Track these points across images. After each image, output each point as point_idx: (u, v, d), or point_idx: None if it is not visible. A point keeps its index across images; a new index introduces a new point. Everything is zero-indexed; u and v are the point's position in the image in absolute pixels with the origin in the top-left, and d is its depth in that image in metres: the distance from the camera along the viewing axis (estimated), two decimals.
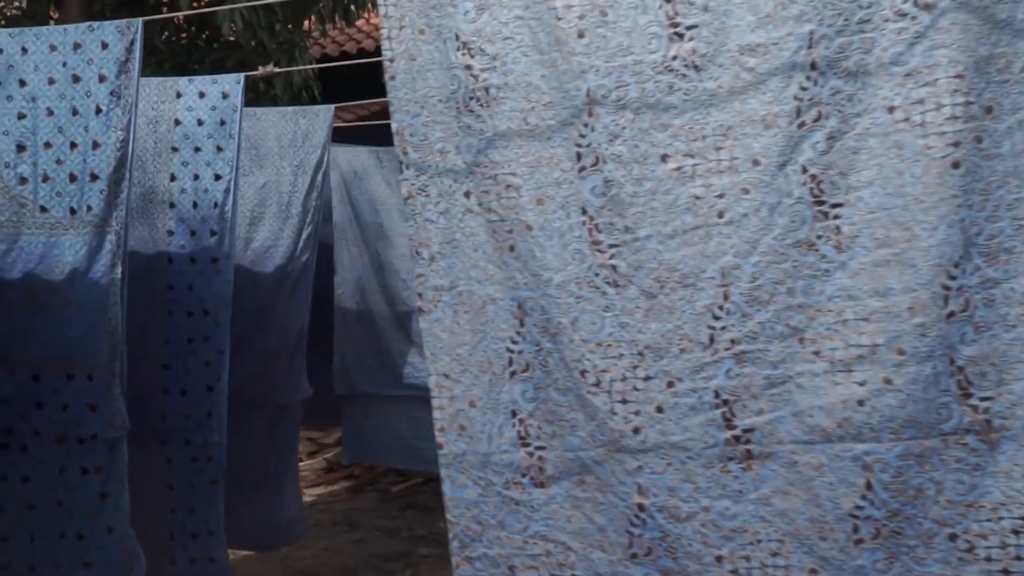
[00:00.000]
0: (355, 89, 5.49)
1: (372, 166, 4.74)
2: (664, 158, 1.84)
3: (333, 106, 3.81)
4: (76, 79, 2.72)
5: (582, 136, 1.89)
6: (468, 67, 1.94)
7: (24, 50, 2.76)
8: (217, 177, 3.22)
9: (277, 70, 3.32)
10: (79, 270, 2.69)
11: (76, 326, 2.69)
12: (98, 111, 2.70)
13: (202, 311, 3.24)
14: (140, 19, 2.71)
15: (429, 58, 1.98)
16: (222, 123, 3.23)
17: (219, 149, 3.22)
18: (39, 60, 2.75)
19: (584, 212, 1.90)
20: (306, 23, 7.15)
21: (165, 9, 6.53)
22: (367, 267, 4.80)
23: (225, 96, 3.23)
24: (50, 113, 2.74)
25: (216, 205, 3.22)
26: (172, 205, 3.27)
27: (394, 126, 2.04)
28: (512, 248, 1.95)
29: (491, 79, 1.93)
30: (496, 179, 1.95)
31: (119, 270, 2.67)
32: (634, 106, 1.84)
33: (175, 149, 3.28)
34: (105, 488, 2.67)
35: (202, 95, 3.26)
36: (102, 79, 2.71)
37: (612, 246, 1.88)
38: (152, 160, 3.24)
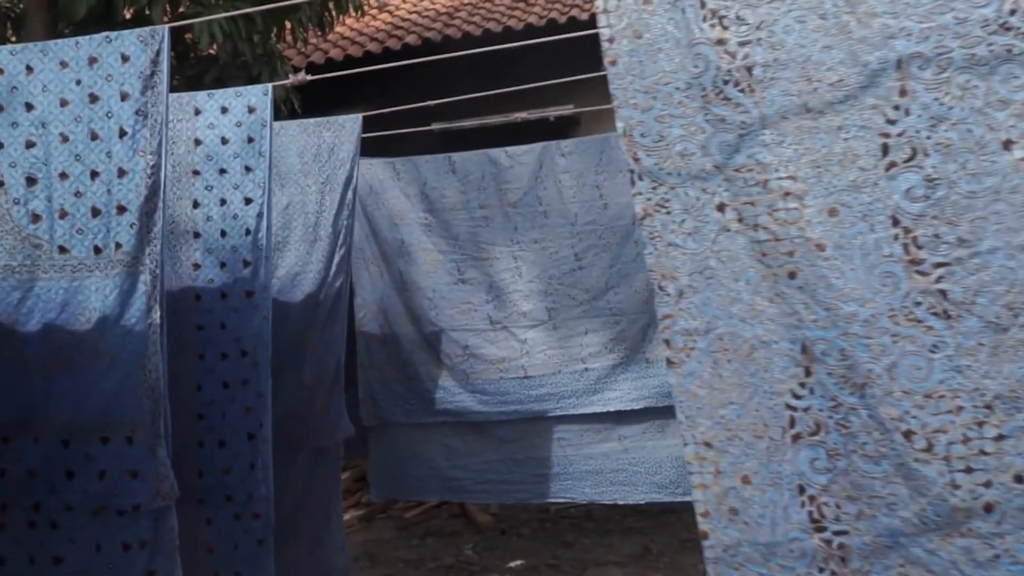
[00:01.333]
0: (338, 100, 5.14)
1: (388, 179, 4.41)
2: (1007, 144, 1.43)
3: (360, 116, 3.48)
4: (94, 98, 2.37)
5: (891, 122, 1.47)
6: (720, 41, 1.52)
7: (29, 69, 2.40)
8: (248, 201, 2.87)
9: (309, 77, 2.96)
10: (110, 317, 2.34)
11: (110, 382, 2.34)
12: (122, 134, 2.35)
13: (239, 352, 2.90)
14: (166, 26, 2.36)
15: (661, 33, 1.56)
16: (250, 140, 2.89)
17: (248, 169, 2.88)
18: (48, 79, 2.40)
19: (896, 223, 1.49)
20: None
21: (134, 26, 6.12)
22: (389, 287, 4.47)
23: (252, 110, 2.89)
24: (64, 139, 2.38)
25: (248, 232, 2.87)
26: (197, 235, 2.92)
27: (619, 125, 1.61)
28: (792, 275, 1.55)
29: (754, 55, 1.52)
30: (766, 186, 1.53)
31: (157, 314, 2.33)
32: (962, 79, 1.44)
33: (196, 172, 2.93)
34: (151, 565, 2.33)
35: (224, 110, 2.92)
36: (124, 97, 2.36)
37: (939, 265, 1.47)
38: (171, 187, 2.88)
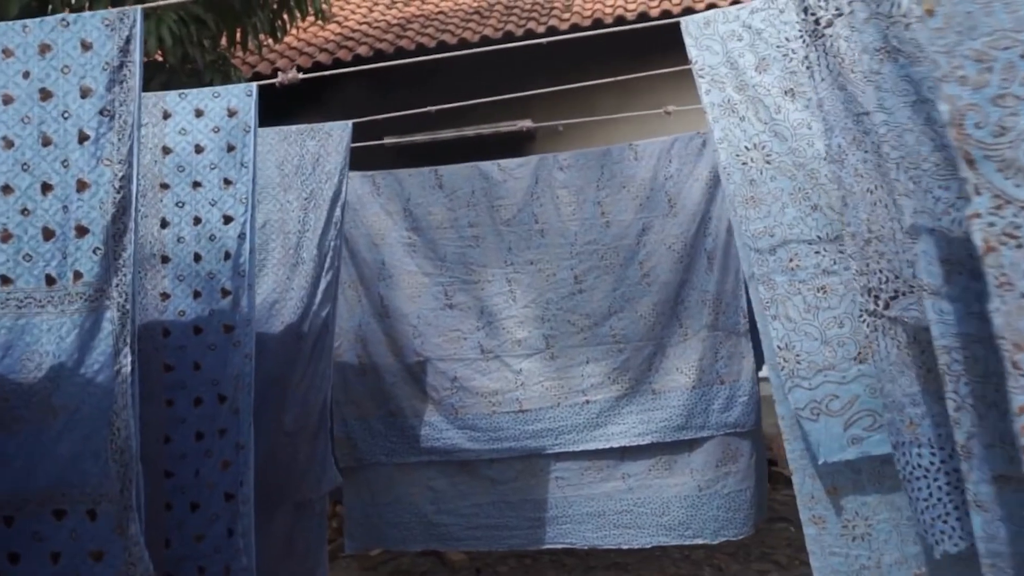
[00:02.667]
0: (283, 113, 4.70)
1: (367, 194, 4.01)
2: None
3: (350, 123, 3.08)
4: (46, 95, 1.93)
5: None
6: None
7: None
8: (227, 220, 2.45)
9: (301, 75, 2.56)
10: (66, 364, 1.90)
11: (66, 444, 1.90)
12: (83, 138, 1.91)
13: (215, 396, 2.46)
14: (138, 7, 1.94)
15: None
16: (230, 149, 2.47)
17: (227, 183, 2.46)
18: None
19: None
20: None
21: None
22: (368, 313, 4.05)
23: (232, 113, 2.47)
24: (8, 145, 1.94)
25: (228, 256, 2.45)
26: (165, 259, 2.48)
27: (945, 110, 1.13)
28: None
29: None
30: None
31: (127, 359, 1.90)
32: None
33: (165, 186, 2.49)
34: None
35: (199, 113, 2.49)
36: (86, 93, 1.93)
37: None
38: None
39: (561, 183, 3.95)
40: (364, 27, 8.90)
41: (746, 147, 2.25)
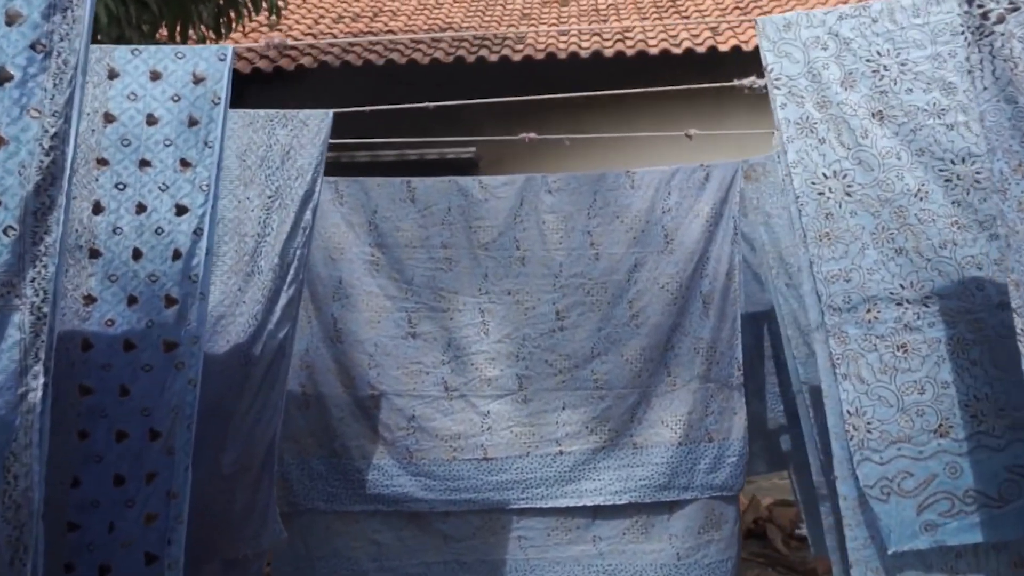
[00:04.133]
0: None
1: (328, 202, 3.53)
2: None
3: (331, 112, 2.62)
4: None
5: None
6: None
7: None
8: (181, 210, 1.96)
9: (290, 40, 2.11)
10: None
11: None
12: (4, 78, 1.42)
13: (144, 431, 1.95)
14: None
15: None
16: (192, 123, 1.98)
17: (185, 165, 1.97)
18: None
19: None
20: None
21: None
22: (317, 337, 3.55)
23: (199, 80, 2.00)
24: None
25: (178, 256, 1.95)
26: (95, 254, 1.96)
27: None
28: None
29: None
30: None
31: (38, 381, 1.40)
32: None
33: (103, 162, 1.98)
34: None
35: (156, 76, 2.00)
36: (12, 19, 1.44)
37: None
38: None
39: (549, 207, 3.56)
40: (309, 37, 8.45)
41: (824, 174, 1.91)
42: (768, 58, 1.96)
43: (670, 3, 9.22)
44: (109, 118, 1.99)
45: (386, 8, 9.84)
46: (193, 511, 2.23)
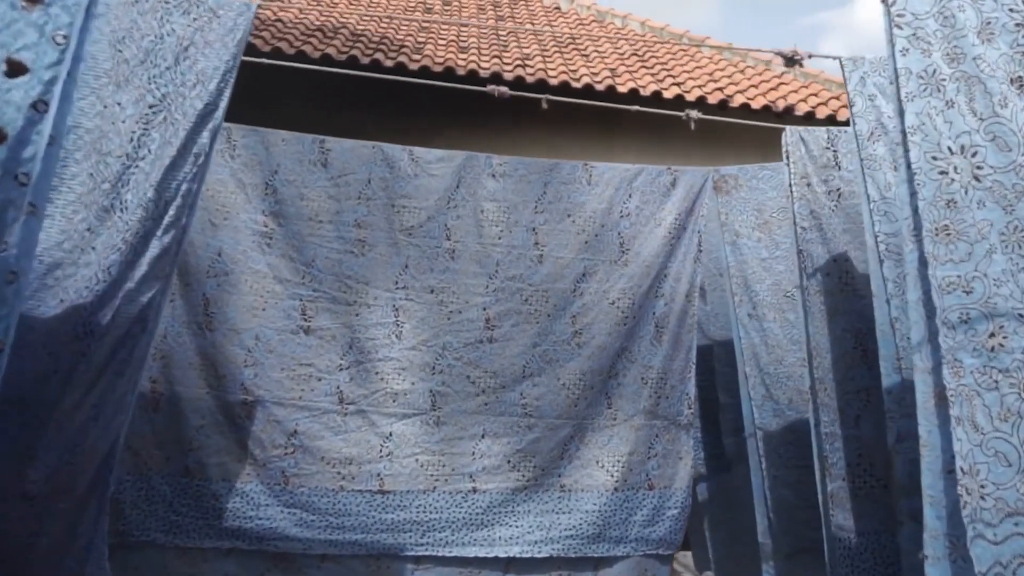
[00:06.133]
0: None
1: (216, 151, 2.77)
2: None
3: (254, 4, 1.92)
4: None
5: None
6: None
7: None
8: (16, 69, 1.23)
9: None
10: None
11: None
12: None
13: None
14: None
15: None
16: None
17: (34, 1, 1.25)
18: None
19: None
20: None
21: None
22: (180, 320, 2.77)
23: None
24: None
25: (2, 137, 1.22)
26: None
27: None
28: None
29: None
30: None
31: None
32: None
33: None
34: None
35: None
36: None
37: None
38: None
39: (490, 194, 2.98)
40: None
41: (949, 148, 1.44)
42: None
43: (570, 41, 8.97)
44: None
45: None
46: None
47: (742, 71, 7.52)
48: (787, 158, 2.49)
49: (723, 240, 3.09)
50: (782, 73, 7.39)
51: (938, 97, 1.45)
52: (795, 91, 6.93)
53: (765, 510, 3.01)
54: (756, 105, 6.09)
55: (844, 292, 2.42)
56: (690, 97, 6.22)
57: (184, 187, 1.83)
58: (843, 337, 2.40)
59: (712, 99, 6.27)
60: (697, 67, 7.58)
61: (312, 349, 2.85)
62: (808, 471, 2.98)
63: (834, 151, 2.50)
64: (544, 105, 2.77)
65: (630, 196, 3.04)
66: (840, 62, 2.02)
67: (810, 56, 2.09)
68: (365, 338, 2.89)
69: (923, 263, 1.43)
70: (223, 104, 1.89)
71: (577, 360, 2.97)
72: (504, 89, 2.49)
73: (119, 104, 1.80)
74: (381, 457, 2.85)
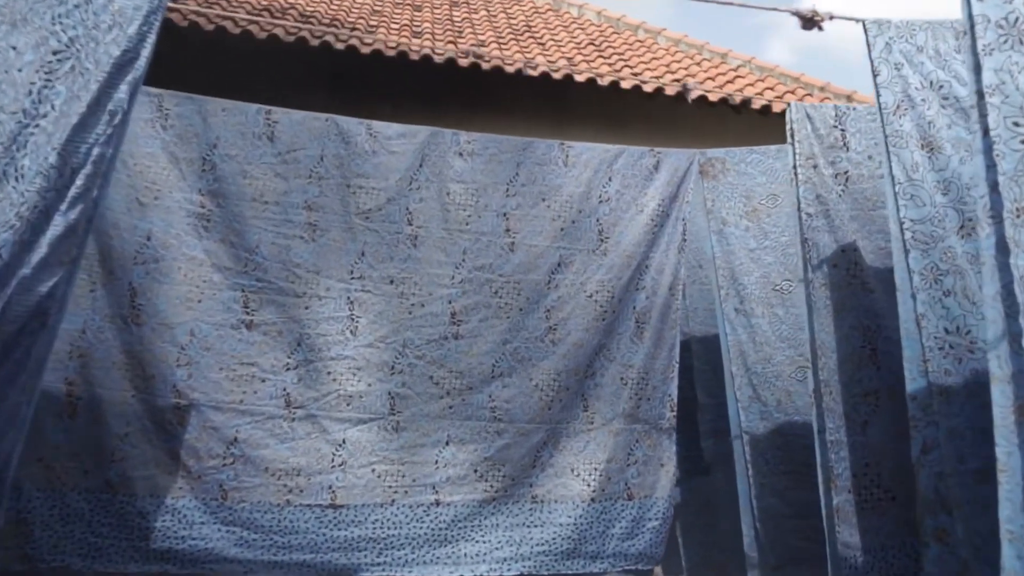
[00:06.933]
0: None
1: (146, 122, 2.45)
2: None
3: None
4: None
5: None
6: None
7: None
8: None
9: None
10: None
11: None
12: None
13: None
14: None
15: None
16: None
17: None
18: None
19: None
20: None
21: None
22: (102, 312, 2.43)
23: None
24: None
25: None
26: None
27: None
28: None
29: None
30: None
31: None
32: None
33: None
34: None
35: None
36: None
37: None
38: None
39: (457, 174, 2.69)
40: None
41: None
42: None
43: (526, 29, 8.72)
44: None
45: None
46: None
47: (698, 63, 7.36)
48: (791, 137, 2.26)
49: (709, 229, 2.86)
50: (738, 67, 7.26)
51: (1021, 51, 1.22)
52: (751, 84, 6.78)
53: (751, 520, 2.81)
54: (713, 98, 5.91)
55: (852, 286, 2.20)
56: (648, 88, 6.01)
57: (96, 152, 1.49)
58: (850, 335, 2.18)
59: (670, 90, 6.06)
60: (654, 58, 7.40)
61: (255, 346, 2.53)
62: (796, 477, 2.79)
63: (842, 130, 2.28)
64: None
65: (610, 179, 2.79)
66: (864, 25, 1.79)
67: (831, 17, 1.85)
68: (316, 334, 2.57)
69: (1002, 250, 1.20)
70: (146, 52, 1.56)
71: (551, 359, 2.70)
72: (477, 51, 2.20)
73: (14, 48, 1.46)
74: (333, 467, 2.54)
